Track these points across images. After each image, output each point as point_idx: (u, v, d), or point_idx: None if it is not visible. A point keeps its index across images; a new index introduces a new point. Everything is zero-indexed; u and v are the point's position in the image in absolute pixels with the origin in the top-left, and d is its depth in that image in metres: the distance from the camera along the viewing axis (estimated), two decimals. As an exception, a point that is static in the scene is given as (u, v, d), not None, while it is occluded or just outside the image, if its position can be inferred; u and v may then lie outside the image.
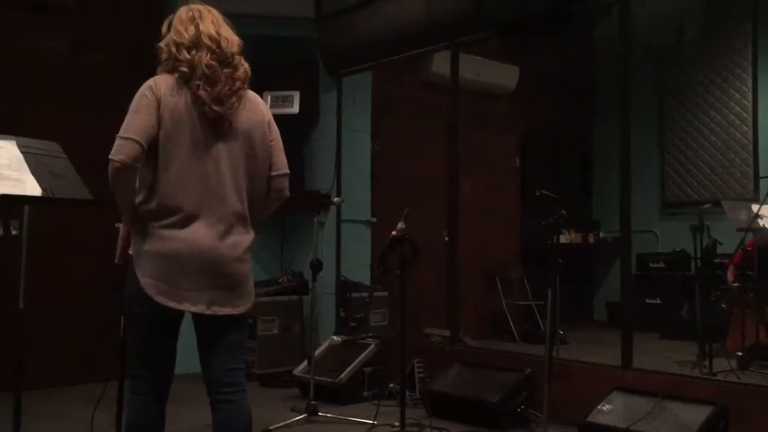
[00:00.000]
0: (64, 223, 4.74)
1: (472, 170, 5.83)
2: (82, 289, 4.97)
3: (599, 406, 3.53)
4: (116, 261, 2.38)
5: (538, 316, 6.48)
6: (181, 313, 2.27)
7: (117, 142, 2.19)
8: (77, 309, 4.96)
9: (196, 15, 2.34)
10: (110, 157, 2.18)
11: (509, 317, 6.53)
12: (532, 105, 7.13)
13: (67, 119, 4.91)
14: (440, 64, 5.65)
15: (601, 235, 7.75)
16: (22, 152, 2.79)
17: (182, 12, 2.36)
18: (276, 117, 2.58)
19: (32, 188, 2.74)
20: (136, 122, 2.20)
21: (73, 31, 5.08)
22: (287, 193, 2.49)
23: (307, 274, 5.26)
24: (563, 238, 6.97)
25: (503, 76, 6.69)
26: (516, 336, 6.42)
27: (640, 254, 7.04)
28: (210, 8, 2.38)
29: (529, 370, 3.98)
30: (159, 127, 2.21)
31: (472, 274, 6.14)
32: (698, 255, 4.58)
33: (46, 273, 4.64)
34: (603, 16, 6.73)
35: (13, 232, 4.66)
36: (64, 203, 2.98)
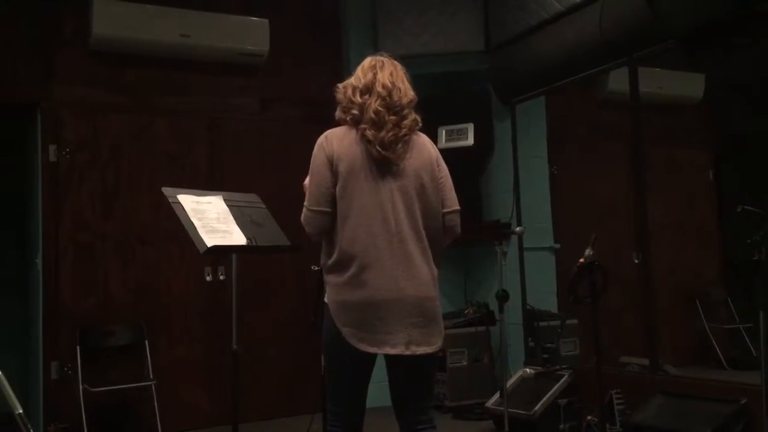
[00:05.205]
0: (263, 267, 5.10)
1: (660, 187, 5.52)
2: (283, 327, 5.31)
3: (833, 441, 3.16)
4: None
5: (748, 340, 5.93)
6: (377, 355, 2.36)
7: (306, 213, 2.37)
8: (281, 347, 5.29)
9: (378, 65, 2.47)
10: (303, 225, 2.37)
11: (714, 342, 6.05)
12: (723, 114, 6.63)
13: (257, 169, 5.33)
14: (617, 80, 5.44)
15: (816, 247, 6.97)
16: (228, 206, 3.07)
17: (367, 60, 2.52)
18: (451, 150, 2.64)
19: (238, 238, 2.99)
20: (316, 190, 2.35)
21: (262, 89, 5.52)
22: (459, 229, 2.52)
23: (492, 305, 5.25)
24: (771, 254, 6.35)
25: (688, 86, 6.30)
26: (723, 362, 5.92)
27: None
28: (394, 62, 2.51)
29: (744, 400, 3.66)
30: (336, 182, 2.34)
31: (667, 297, 5.78)
32: None
33: (251, 314, 5.02)
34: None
35: (221, 278, 5.11)
36: (267, 250, 3.23)
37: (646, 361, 4.58)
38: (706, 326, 6.06)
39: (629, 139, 4.86)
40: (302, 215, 2.39)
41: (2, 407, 2.16)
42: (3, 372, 2.09)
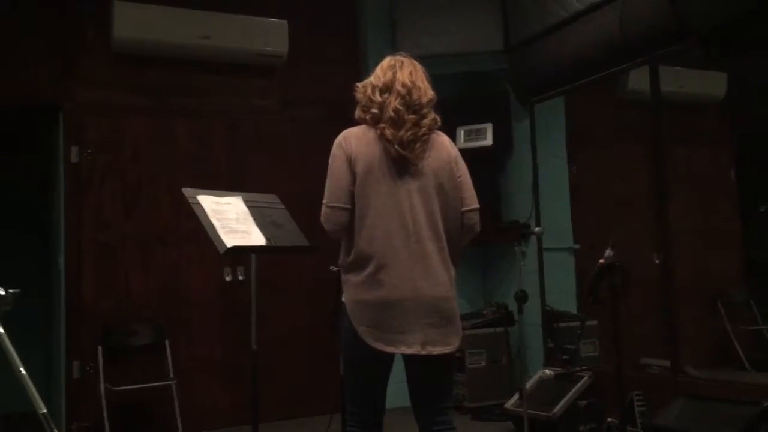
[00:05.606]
0: (282, 267, 5.12)
1: (681, 187, 5.47)
2: (301, 327, 5.32)
3: None
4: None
5: (771, 342, 5.86)
6: (394, 354, 2.36)
7: (324, 210, 2.36)
8: (299, 347, 5.31)
9: (397, 64, 2.47)
10: (322, 223, 2.37)
11: (736, 343, 5.97)
12: (746, 113, 6.55)
13: (277, 169, 5.35)
14: (637, 80, 5.39)
15: (841, 247, 6.86)
16: (247, 206, 3.09)
17: (386, 60, 2.52)
18: (470, 150, 2.62)
19: (257, 238, 3.01)
20: (334, 187, 2.36)
21: (282, 90, 5.54)
22: (479, 228, 2.51)
23: (511, 305, 5.23)
24: (795, 255, 6.26)
25: (710, 84, 6.23)
26: (746, 364, 5.85)
27: None
28: (414, 61, 2.51)
29: (766, 402, 3.61)
30: (354, 181, 2.35)
31: (688, 298, 5.71)
32: None
33: (270, 314, 5.04)
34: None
35: (240, 278, 5.14)
36: (286, 251, 3.24)
37: (667, 363, 4.54)
38: (728, 327, 5.99)
39: (650, 138, 4.81)
40: (321, 213, 2.39)
41: (26, 407, 2.19)
42: (26, 371, 2.11)
